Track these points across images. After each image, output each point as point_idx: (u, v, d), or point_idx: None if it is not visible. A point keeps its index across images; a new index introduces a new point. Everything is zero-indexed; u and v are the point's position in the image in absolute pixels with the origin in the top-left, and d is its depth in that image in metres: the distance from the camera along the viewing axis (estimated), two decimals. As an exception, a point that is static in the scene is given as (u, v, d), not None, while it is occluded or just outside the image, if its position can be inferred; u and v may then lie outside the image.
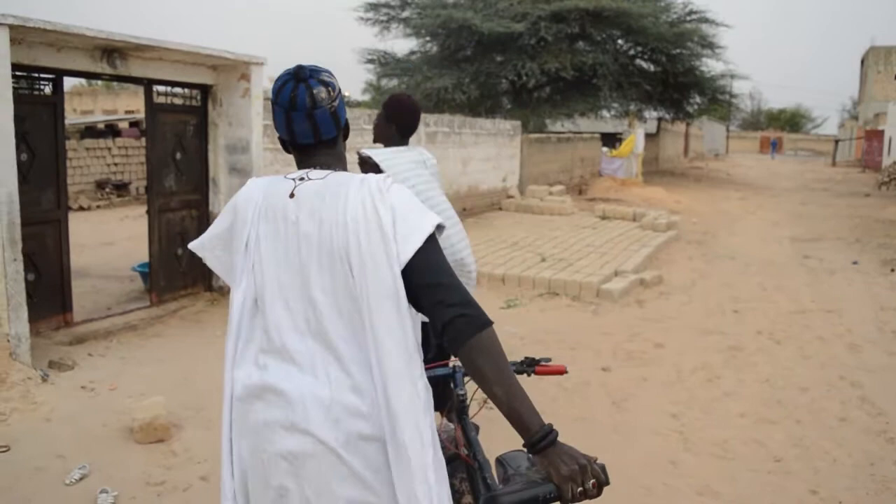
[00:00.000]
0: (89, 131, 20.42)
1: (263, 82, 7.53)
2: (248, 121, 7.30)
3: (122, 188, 18.07)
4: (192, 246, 2.05)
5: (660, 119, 30.30)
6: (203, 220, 7.56)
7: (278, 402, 1.74)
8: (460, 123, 13.82)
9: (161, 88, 7.09)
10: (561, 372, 2.47)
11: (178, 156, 7.23)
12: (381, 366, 1.68)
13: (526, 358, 2.44)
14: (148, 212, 7.14)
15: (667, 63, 23.91)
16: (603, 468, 1.58)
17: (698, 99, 26.78)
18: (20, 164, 5.48)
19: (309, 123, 1.82)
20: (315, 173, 1.84)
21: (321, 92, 1.81)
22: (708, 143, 51.79)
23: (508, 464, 1.87)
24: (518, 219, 13.88)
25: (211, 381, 5.20)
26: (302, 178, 1.83)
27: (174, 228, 7.27)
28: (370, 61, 25.47)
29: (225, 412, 1.87)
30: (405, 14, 24.04)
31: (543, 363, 2.45)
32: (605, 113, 25.90)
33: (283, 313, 1.79)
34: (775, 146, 61.38)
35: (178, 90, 7.28)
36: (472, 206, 14.20)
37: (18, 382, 4.92)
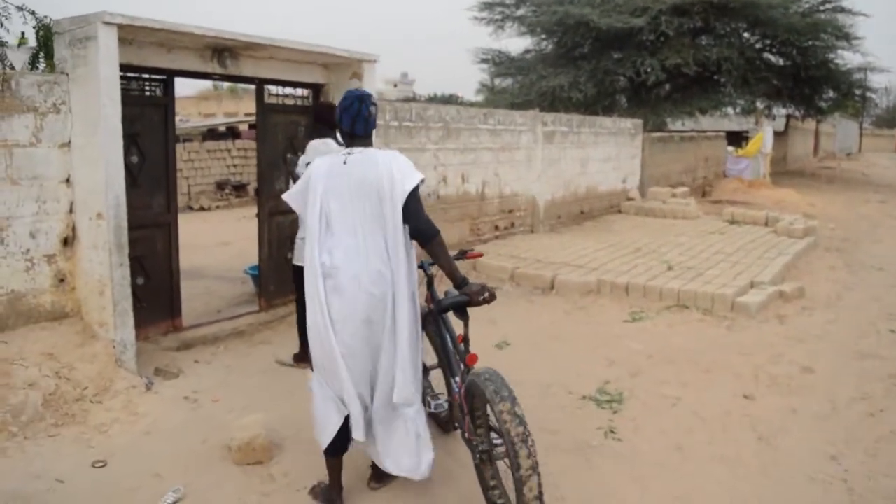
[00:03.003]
0: (211, 133, 21.00)
1: (375, 81, 7.25)
2: (359, 121, 7.01)
3: (240, 189, 18.43)
4: (284, 197, 3.54)
5: (788, 116, 28.54)
6: (313, 224, 7.32)
7: (343, 274, 3.23)
8: (579, 122, 13.19)
9: (273, 89, 6.91)
10: (480, 255, 4.27)
11: (290, 157, 7.02)
12: (395, 251, 3.24)
13: (459, 251, 4.09)
14: (258, 215, 6.97)
15: (797, 56, 22.33)
16: (493, 292, 3.37)
17: (831, 94, 24.94)
18: (130, 167, 5.38)
19: (364, 125, 3.38)
20: (357, 150, 3.34)
21: (373, 109, 3.42)
22: (839, 141, 48.65)
23: (448, 292, 3.51)
24: (639, 222, 13.13)
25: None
26: (350, 153, 3.33)
27: (284, 232, 7.06)
28: (484, 61, 25.16)
29: (314, 277, 3.26)
30: (520, 12, 23.51)
31: (469, 252, 4.15)
32: (728, 110, 24.56)
33: (342, 225, 3.27)
34: (915, 145, 57.07)
35: (289, 90, 7.08)
36: (590, 209, 13.56)
37: (122, 391, 4.78)
